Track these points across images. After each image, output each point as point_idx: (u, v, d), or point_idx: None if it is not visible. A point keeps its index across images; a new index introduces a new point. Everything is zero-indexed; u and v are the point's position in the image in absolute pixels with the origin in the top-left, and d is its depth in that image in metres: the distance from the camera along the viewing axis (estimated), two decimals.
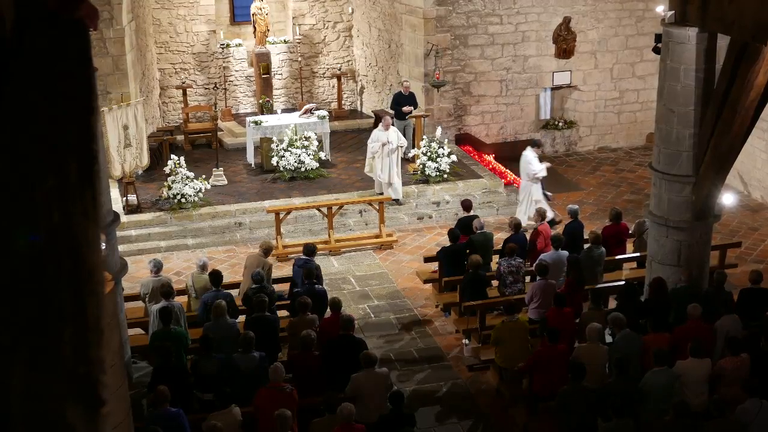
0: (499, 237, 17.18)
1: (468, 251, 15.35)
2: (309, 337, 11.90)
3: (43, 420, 1.12)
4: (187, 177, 19.06)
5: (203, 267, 14.32)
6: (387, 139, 19.31)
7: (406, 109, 21.26)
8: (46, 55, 1.15)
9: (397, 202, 19.70)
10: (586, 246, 15.42)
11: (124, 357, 12.22)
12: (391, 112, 21.54)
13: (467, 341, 14.54)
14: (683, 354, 11.61)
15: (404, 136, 21.03)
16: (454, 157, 20.55)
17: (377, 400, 11.27)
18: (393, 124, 21.16)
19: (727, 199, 16.55)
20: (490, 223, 18.97)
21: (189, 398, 11.39)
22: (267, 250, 14.89)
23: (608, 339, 12.78)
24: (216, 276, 13.59)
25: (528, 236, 16.05)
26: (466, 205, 16.97)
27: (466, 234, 15.87)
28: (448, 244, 15.73)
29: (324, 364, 12.00)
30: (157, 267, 14.13)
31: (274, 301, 13.75)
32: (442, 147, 20.44)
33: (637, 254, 15.96)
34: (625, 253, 16.15)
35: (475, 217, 16.46)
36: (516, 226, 15.70)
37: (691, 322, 12.28)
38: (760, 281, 13.60)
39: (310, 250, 14.73)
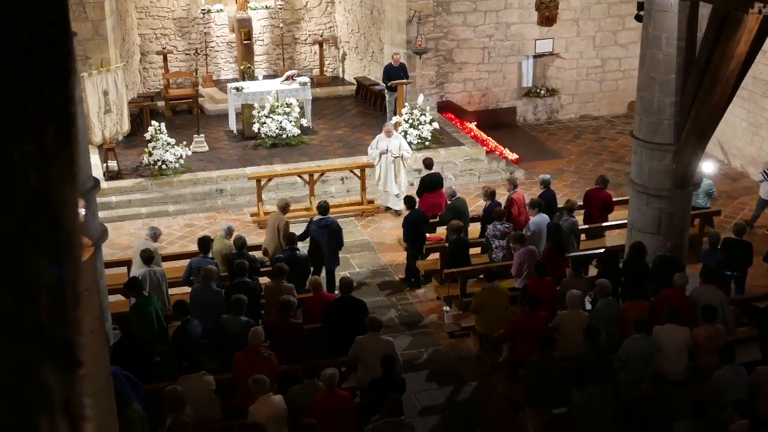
0: (479, 205, 17.20)
1: (438, 217, 15.57)
2: (288, 302, 11.78)
3: (19, 383, 1.12)
4: (168, 143, 18.97)
5: (229, 231, 14.33)
6: (387, 147, 18.10)
7: (394, 83, 21.01)
8: (23, 21, 1.14)
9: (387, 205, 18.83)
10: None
11: (105, 324, 12.19)
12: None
13: (448, 308, 14.60)
14: (662, 321, 11.69)
15: (394, 107, 20.86)
16: (435, 125, 20.52)
17: (379, 367, 10.90)
18: (386, 98, 21.10)
19: (708, 167, 16.62)
20: (471, 190, 19.01)
21: (148, 368, 11.33)
22: (284, 207, 14.84)
23: (588, 306, 12.86)
24: (204, 242, 13.62)
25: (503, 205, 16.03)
26: (428, 163, 16.94)
27: (429, 192, 15.94)
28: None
29: (325, 328, 11.99)
30: (154, 233, 14.20)
31: (257, 269, 13.72)
32: (424, 114, 20.39)
33: (622, 221, 15.93)
34: (607, 221, 16.14)
35: (438, 174, 16.49)
36: (491, 194, 15.69)
37: (673, 290, 12.35)
38: (743, 234, 14.28)
39: (323, 207, 14.72)
